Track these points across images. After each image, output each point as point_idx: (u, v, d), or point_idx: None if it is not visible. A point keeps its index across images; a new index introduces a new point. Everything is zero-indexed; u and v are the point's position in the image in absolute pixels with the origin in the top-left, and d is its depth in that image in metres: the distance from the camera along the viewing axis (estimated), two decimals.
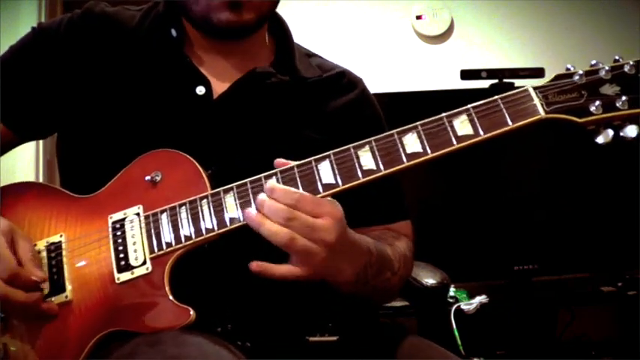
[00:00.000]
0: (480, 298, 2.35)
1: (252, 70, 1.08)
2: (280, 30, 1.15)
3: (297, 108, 1.09)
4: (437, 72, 3.11)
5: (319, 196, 0.89)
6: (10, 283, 0.89)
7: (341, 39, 3.11)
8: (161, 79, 1.06)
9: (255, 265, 0.88)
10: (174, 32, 1.08)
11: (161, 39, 1.08)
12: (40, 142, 2.86)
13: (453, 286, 2.24)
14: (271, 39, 1.15)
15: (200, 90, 1.05)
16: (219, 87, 1.06)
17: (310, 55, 1.19)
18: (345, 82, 1.16)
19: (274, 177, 0.90)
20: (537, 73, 2.52)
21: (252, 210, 0.88)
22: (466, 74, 2.55)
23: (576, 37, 3.18)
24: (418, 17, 3.17)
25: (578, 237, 2.57)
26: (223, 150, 1.02)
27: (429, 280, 1.59)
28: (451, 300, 2.28)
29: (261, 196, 0.87)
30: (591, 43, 3.16)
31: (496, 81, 2.54)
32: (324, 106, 1.12)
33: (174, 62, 1.06)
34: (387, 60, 3.12)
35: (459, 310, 2.27)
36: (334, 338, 1.03)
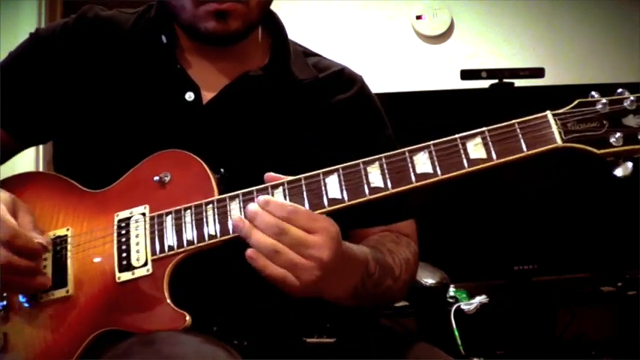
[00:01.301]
0: (480, 298, 2.34)
1: (242, 75, 1.07)
2: (275, 30, 1.14)
3: (291, 111, 1.08)
4: (437, 72, 3.11)
5: (322, 211, 0.88)
6: (10, 245, 0.90)
7: (341, 39, 3.10)
8: (152, 84, 1.06)
9: (253, 252, 0.86)
10: (164, 38, 1.07)
11: (152, 44, 1.07)
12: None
13: (453, 286, 2.23)
14: (266, 38, 1.14)
15: (189, 96, 1.04)
16: (210, 92, 1.06)
17: (308, 53, 1.18)
18: (342, 80, 1.15)
19: (281, 187, 0.90)
20: (537, 73, 2.52)
21: (243, 219, 0.87)
22: (466, 74, 2.55)
23: (576, 37, 3.18)
24: (418, 17, 3.17)
25: (577, 237, 2.57)
26: (212, 155, 1.01)
27: (429, 280, 1.59)
28: (451, 300, 2.28)
29: (253, 207, 0.86)
30: (591, 43, 3.17)
31: (496, 81, 2.54)
32: (321, 107, 1.10)
33: (164, 68, 1.06)
34: (387, 60, 3.12)
35: (459, 310, 2.26)
36: (332, 340, 1.03)
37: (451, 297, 2.28)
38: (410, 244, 1.09)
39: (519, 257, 2.51)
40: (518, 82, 2.52)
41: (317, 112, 1.10)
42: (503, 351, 2.50)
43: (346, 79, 1.16)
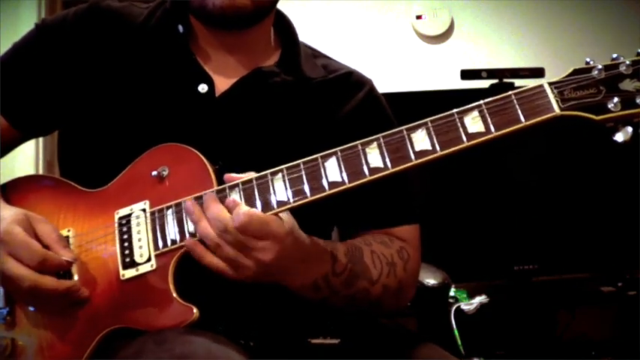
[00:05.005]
0: (480, 298, 2.34)
1: (256, 69, 1.08)
2: (286, 30, 1.15)
3: (301, 108, 1.09)
4: (437, 72, 3.11)
5: (324, 194, 0.88)
6: (40, 269, 0.89)
7: (341, 39, 3.10)
8: (165, 75, 1.06)
9: (191, 242, 0.89)
10: (180, 28, 1.08)
11: (167, 35, 1.08)
12: (40, 142, 2.86)
13: (453, 286, 2.23)
14: (277, 39, 1.15)
15: (202, 88, 1.05)
16: (223, 85, 1.06)
17: (317, 55, 1.19)
18: (351, 82, 1.15)
19: (280, 173, 0.90)
20: (537, 73, 2.52)
21: (195, 203, 0.89)
22: (466, 74, 2.55)
23: (576, 37, 3.19)
24: (418, 17, 3.18)
25: (578, 237, 2.57)
26: (224, 148, 1.02)
27: (430, 280, 1.60)
28: (451, 300, 2.28)
29: (218, 206, 0.87)
30: (591, 43, 3.16)
31: (496, 81, 2.54)
32: (330, 106, 1.11)
33: (178, 59, 1.07)
34: (387, 60, 3.12)
35: (459, 310, 2.27)
36: (336, 341, 1.03)
37: (451, 297, 2.28)
38: (402, 250, 1.07)
39: (519, 257, 2.51)
40: (518, 82, 2.52)
41: (325, 111, 1.10)
42: (503, 351, 2.50)
43: (355, 82, 1.16)
